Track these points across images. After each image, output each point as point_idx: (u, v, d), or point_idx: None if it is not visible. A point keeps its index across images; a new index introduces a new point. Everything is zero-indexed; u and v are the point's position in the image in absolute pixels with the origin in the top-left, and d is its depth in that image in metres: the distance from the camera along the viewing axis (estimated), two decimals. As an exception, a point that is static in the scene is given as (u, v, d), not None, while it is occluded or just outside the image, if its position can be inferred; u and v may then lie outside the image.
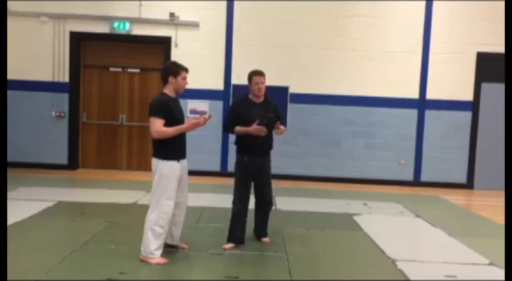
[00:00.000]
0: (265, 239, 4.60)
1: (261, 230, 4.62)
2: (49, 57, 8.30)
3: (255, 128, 4.21)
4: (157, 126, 3.79)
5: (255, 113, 4.29)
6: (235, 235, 4.38)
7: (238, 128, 4.33)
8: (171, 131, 3.80)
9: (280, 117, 4.52)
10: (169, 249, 4.09)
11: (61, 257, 3.88)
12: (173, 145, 3.84)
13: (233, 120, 4.38)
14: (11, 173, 7.68)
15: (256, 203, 4.54)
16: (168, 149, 3.84)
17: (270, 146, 4.51)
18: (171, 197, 3.83)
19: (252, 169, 4.36)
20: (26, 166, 8.22)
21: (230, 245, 4.37)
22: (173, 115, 3.84)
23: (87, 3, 8.21)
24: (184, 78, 3.93)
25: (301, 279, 3.69)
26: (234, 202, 4.41)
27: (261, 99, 4.43)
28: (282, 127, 4.37)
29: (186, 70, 3.96)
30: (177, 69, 3.91)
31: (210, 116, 3.98)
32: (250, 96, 4.44)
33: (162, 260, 3.83)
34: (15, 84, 8.22)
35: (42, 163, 8.32)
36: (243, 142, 4.37)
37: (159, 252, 3.85)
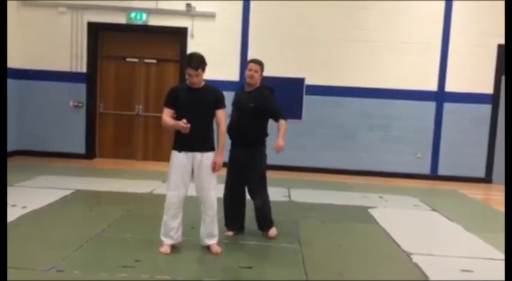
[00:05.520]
0: (269, 233, 4.41)
1: (258, 224, 4.46)
2: (67, 48, 8.37)
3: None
4: (162, 115, 3.84)
5: (239, 102, 4.32)
6: (227, 221, 4.44)
7: None
8: (169, 123, 3.78)
9: (269, 108, 4.26)
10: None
11: (78, 245, 3.94)
12: (178, 135, 3.80)
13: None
14: (30, 162, 7.87)
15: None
16: (175, 139, 3.86)
17: (254, 139, 4.27)
18: (171, 187, 3.82)
19: (232, 160, 4.32)
20: (45, 154, 8.34)
21: (228, 232, 4.41)
22: (178, 104, 3.79)
23: (105, -6, 8.27)
24: (190, 75, 3.76)
25: (315, 270, 3.68)
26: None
27: (253, 88, 4.29)
28: (279, 144, 4.13)
29: (190, 66, 3.75)
30: (186, 66, 3.81)
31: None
32: (245, 85, 4.40)
33: (163, 249, 3.85)
34: (34, 74, 8.35)
35: (60, 152, 8.43)
36: (228, 131, 4.26)
37: (165, 239, 3.87)
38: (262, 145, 4.36)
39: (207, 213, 3.90)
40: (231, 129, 4.29)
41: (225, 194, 4.40)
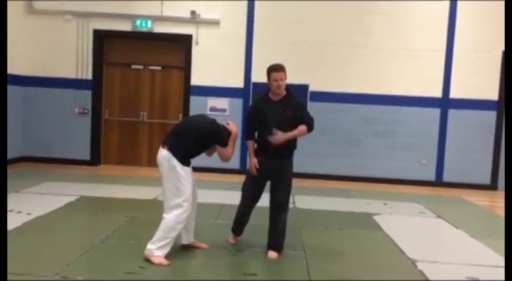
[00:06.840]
0: (272, 254, 4.05)
1: (269, 239, 4.13)
2: (73, 55, 8.44)
3: (251, 164, 4.08)
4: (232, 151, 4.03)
5: (269, 113, 4.00)
6: (237, 228, 4.34)
7: (249, 143, 4.15)
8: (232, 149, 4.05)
9: (303, 115, 4.14)
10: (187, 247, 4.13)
11: (82, 251, 3.95)
12: (191, 151, 3.89)
13: (251, 124, 4.14)
14: (35, 168, 7.91)
15: (270, 207, 4.15)
16: (190, 156, 3.88)
17: (290, 148, 4.13)
18: (189, 199, 3.83)
19: (263, 170, 4.04)
20: (50, 161, 8.38)
21: (233, 239, 4.37)
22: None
23: (111, 2, 8.33)
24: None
25: (320, 277, 3.67)
26: (242, 197, 4.27)
27: (280, 96, 4.08)
28: (276, 135, 3.97)
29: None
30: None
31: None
32: (269, 93, 4.12)
33: (165, 262, 3.75)
34: (40, 81, 8.41)
35: (65, 158, 8.47)
36: (257, 141, 4.16)
37: (162, 252, 3.78)
38: (292, 156, 4.22)
39: (194, 212, 4.04)
40: (263, 141, 4.05)
41: (246, 203, 4.21)
